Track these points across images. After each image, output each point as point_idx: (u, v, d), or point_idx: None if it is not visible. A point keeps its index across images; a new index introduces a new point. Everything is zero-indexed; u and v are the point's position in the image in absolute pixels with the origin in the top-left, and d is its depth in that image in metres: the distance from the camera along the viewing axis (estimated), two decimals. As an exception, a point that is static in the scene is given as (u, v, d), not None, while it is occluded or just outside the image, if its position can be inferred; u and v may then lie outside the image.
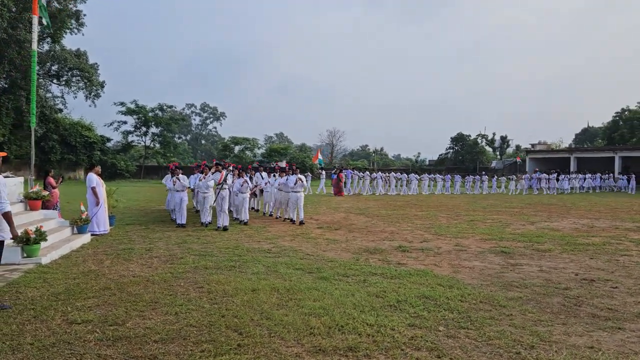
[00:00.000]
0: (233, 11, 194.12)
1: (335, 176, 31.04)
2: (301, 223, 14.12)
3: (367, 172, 34.83)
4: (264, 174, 17.76)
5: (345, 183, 31.06)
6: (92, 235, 11.00)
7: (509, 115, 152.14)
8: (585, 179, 37.82)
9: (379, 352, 4.46)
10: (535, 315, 5.64)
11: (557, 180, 36.03)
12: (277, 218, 15.95)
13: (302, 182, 14.21)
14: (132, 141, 58.32)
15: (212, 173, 13.79)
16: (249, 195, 14.28)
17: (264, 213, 17.37)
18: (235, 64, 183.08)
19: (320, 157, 28.40)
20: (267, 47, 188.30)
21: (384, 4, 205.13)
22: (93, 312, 5.51)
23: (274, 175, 16.41)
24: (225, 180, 13.15)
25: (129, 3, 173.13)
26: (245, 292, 6.34)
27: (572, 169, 45.49)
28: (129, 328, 5.00)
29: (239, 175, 14.18)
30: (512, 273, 7.96)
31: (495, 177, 38.15)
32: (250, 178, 15.34)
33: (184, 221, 13.47)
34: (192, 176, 15.68)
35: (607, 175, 40.06)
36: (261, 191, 17.37)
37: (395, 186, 33.45)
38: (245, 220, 14.04)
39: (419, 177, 34.41)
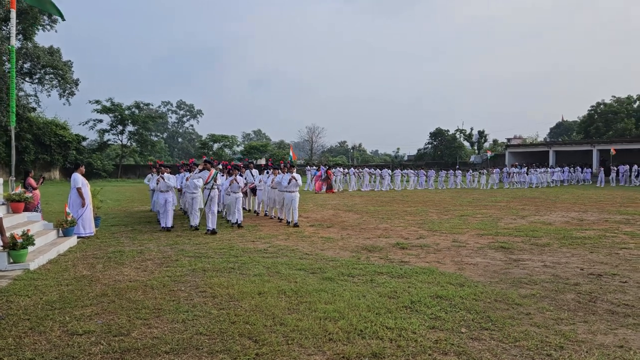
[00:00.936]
0: (209, 6, 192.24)
1: (317, 172, 30.88)
2: (295, 225, 13.20)
3: (339, 169, 34.86)
4: (255, 171, 17.07)
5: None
6: (78, 237, 10.56)
7: (486, 110, 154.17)
8: (554, 172, 38.13)
9: (405, 359, 4.24)
10: (554, 314, 5.49)
11: (527, 174, 36.36)
12: (271, 218, 15.30)
13: (296, 180, 13.30)
14: (108, 140, 57.20)
15: (200, 171, 12.81)
16: (241, 195, 13.48)
17: (257, 212, 16.72)
18: (212, 61, 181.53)
19: (292, 153, 27.88)
20: (243, 42, 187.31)
21: None
22: (94, 321, 5.17)
23: (267, 172, 15.71)
24: (214, 179, 12.36)
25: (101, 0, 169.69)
26: (251, 296, 6.05)
27: (550, 163, 46.04)
28: (135, 338, 4.69)
29: (229, 174, 13.38)
30: (517, 269, 7.83)
31: (470, 171, 38.37)
32: (240, 175, 14.19)
33: (170, 224, 12.54)
34: (178, 175, 15.01)
35: (574, 168, 40.45)
36: (252, 190, 16.64)
37: (370, 182, 33.47)
38: (239, 222, 13.11)
39: (391, 173, 34.38)
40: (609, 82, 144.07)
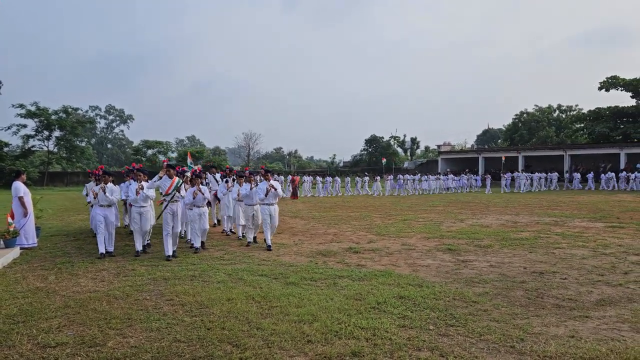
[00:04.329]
0: (145, 8, 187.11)
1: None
2: (268, 248, 10.42)
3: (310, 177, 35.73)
4: (218, 175, 14.27)
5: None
6: (21, 249, 10.10)
7: (417, 117, 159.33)
8: (450, 179, 39.66)
9: (384, 356, 4.47)
10: (508, 309, 5.91)
11: (420, 181, 37.88)
12: (237, 237, 12.37)
13: (275, 190, 10.65)
14: (33, 146, 54.31)
15: (160, 178, 9.90)
16: (207, 210, 10.67)
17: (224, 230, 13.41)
18: (142, 65, 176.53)
19: (189, 160, 24.90)
20: (177, 47, 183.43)
21: (300, 4, 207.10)
22: (64, 333, 5.06)
23: (227, 181, 13.01)
24: (177, 189, 9.83)
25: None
26: (221, 303, 6.10)
27: (480, 169, 48.29)
28: (112, 348, 4.65)
29: (193, 183, 10.32)
30: (466, 269, 8.29)
31: (378, 178, 39.54)
32: (201, 184, 10.58)
33: (111, 247, 9.87)
34: (122, 184, 12.76)
35: (470, 175, 42.58)
36: (216, 199, 13.65)
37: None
38: (197, 246, 10.32)
39: (312, 180, 35.60)
40: (531, 92, 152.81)
